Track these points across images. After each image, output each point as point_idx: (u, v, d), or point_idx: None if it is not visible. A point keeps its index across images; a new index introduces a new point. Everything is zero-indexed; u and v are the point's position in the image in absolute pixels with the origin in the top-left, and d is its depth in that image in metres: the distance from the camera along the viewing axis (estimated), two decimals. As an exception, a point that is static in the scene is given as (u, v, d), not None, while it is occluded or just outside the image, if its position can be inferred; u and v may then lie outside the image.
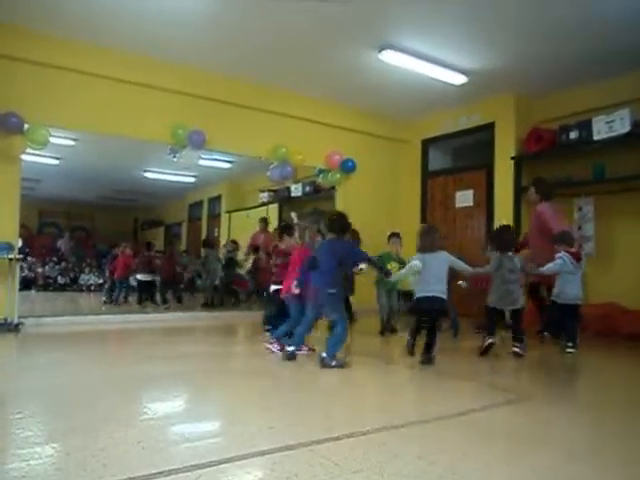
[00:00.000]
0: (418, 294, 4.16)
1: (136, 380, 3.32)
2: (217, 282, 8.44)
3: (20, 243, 5.38)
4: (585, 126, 6.11)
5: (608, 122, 5.84)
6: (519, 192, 6.83)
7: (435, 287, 4.06)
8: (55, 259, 12.97)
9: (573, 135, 6.28)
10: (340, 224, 4.00)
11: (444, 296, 4.08)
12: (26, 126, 5.23)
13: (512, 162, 6.89)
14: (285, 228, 4.91)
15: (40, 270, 11.98)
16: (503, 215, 6.89)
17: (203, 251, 9.07)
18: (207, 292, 8.42)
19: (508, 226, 4.82)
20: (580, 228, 6.39)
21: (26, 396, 2.84)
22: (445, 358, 4.19)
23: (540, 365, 4.46)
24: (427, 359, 3.95)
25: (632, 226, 6.07)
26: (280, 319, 4.59)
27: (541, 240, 5.11)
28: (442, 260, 4.16)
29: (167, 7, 4.83)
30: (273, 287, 4.90)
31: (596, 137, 5.97)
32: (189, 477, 1.76)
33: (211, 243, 9.32)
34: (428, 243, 4.22)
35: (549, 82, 6.51)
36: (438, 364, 3.99)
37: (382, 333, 5.60)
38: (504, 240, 4.55)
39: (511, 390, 3.37)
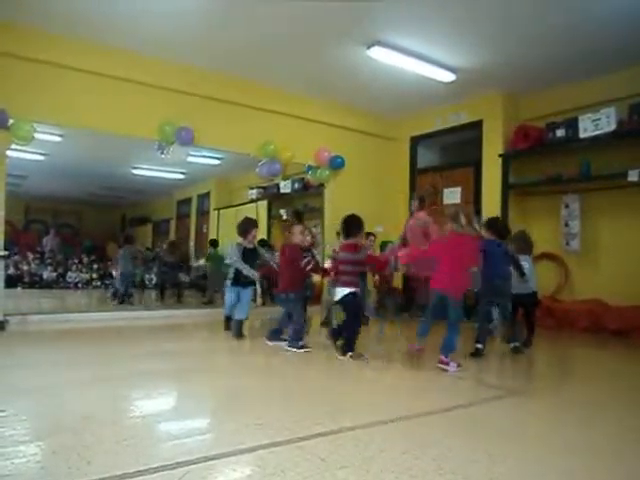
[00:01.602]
0: (519, 291, 4.64)
1: (122, 377, 3.30)
2: (127, 278, 8.26)
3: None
4: (572, 124, 6.17)
5: (594, 120, 5.90)
6: (507, 189, 6.88)
7: (532, 284, 4.76)
8: (40, 256, 12.83)
9: (560, 133, 6.33)
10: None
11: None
12: (11, 121, 5.16)
13: (500, 159, 6.94)
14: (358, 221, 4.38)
15: (26, 267, 11.84)
16: (491, 212, 6.94)
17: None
18: (117, 288, 8.36)
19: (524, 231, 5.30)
20: (567, 225, 6.46)
21: (10, 394, 2.81)
22: (431, 355, 4.21)
23: (527, 361, 4.50)
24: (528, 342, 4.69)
25: (617, 223, 6.15)
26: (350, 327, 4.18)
27: (422, 238, 5.75)
28: (530, 261, 4.91)
29: (154, 3, 4.79)
30: (346, 290, 4.16)
31: (582, 135, 6.02)
32: (176, 474, 1.76)
33: (130, 239, 9.22)
34: (530, 247, 4.96)
35: (536, 80, 6.55)
36: (425, 361, 4.01)
37: (324, 324, 5.96)
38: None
39: (498, 386, 3.40)
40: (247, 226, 5.13)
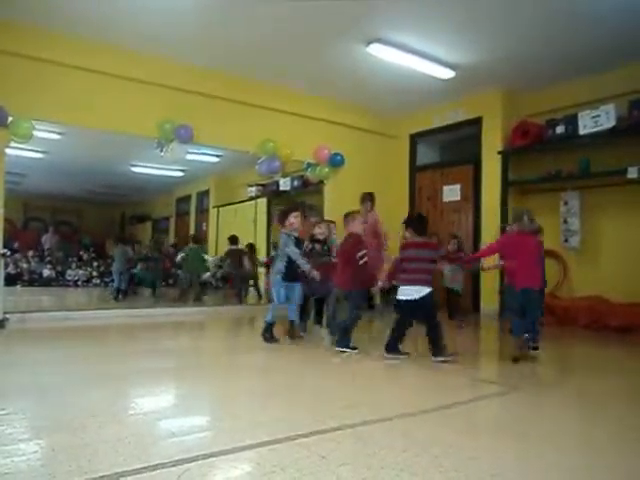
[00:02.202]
0: None
1: (122, 375, 3.30)
2: (123, 278, 8.65)
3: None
4: (571, 121, 6.17)
5: (594, 117, 5.90)
6: (506, 186, 6.88)
7: None
8: (40, 254, 12.82)
9: (559, 130, 6.33)
10: None
11: None
12: (10, 119, 5.15)
13: (499, 156, 6.93)
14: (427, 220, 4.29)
15: (25, 265, 11.83)
16: (490, 209, 6.94)
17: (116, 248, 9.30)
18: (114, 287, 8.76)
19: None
20: (566, 222, 6.45)
21: (10, 392, 2.81)
22: (427, 352, 4.21)
23: (528, 357, 4.50)
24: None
25: (616, 220, 6.15)
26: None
27: (373, 239, 6.10)
28: None
29: (153, 0, 4.78)
30: (425, 288, 3.92)
31: (582, 132, 6.02)
32: (175, 472, 1.76)
33: (125, 240, 9.64)
34: None
35: (536, 77, 6.54)
36: (424, 358, 4.01)
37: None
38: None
39: (499, 382, 3.41)
40: (285, 211, 4.67)
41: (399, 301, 3.99)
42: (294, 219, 4.55)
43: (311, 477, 1.74)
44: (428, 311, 3.93)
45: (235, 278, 8.69)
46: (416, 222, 4.17)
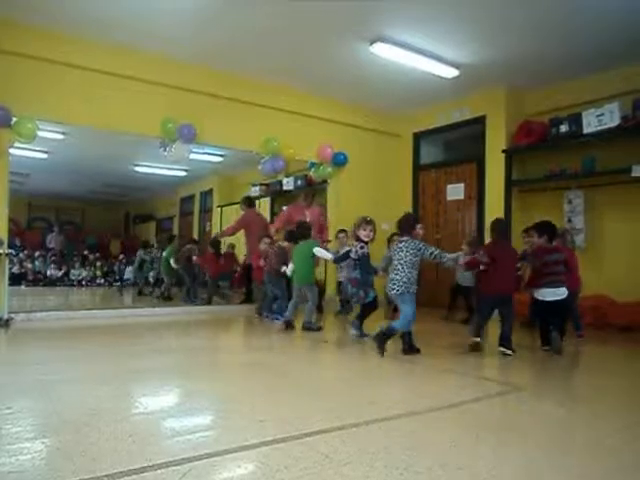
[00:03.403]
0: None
1: (126, 374, 3.31)
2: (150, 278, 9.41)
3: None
4: (575, 119, 6.15)
5: (598, 115, 5.88)
6: (510, 185, 6.86)
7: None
8: (44, 254, 12.87)
9: (563, 128, 6.30)
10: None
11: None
12: (14, 119, 5.17)
13: (503, 155, 6.91)
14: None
15: (30, 265, 11.88)
16: (494, 208, 6.92)
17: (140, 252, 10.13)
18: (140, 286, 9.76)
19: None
20: (570, 220, 6.43)
21: (16, 392, 2.82)
22: (434, 351, 4.21)
23: (532, 356, 4.49)
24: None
25: (621, 219, 6.12)
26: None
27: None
28: None
29: (156, 0, 4.79)
30: (565, 289, 4.28)
31: (586, 130, 6.00)
32: (179, 470, 1.76)
33: (145, 244, 10.42)
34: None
35: (540, 76, 6.52)
36: (427, 357, 4.01)
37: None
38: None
39: (503, 382, 3.40)
40: (412, 221, 4.25)
41: (540, 302, 4.36)
42: (420, 230, 4.57)
43: (315, 476, 1.74)
44: (566, 308, 4.40)
45: (181, 278, 8.45)
46: (552, 230, 4.48)
